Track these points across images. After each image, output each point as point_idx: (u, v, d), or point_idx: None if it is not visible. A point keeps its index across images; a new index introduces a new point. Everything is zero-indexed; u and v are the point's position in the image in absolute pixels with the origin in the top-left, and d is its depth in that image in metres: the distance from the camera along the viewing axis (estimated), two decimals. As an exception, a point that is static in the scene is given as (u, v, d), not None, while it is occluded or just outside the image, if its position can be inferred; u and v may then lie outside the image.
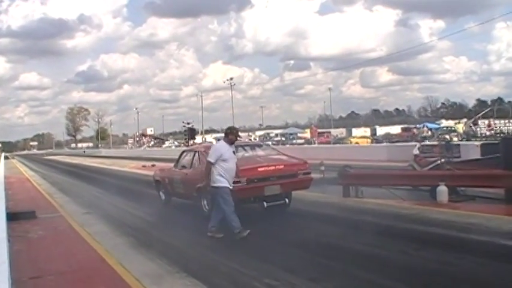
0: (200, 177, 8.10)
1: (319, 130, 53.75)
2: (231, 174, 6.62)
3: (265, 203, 7.57)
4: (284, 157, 8.51)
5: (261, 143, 12.23)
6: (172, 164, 10.11)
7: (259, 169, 7.54)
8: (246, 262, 5.29)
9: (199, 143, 37.62)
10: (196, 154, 8.64)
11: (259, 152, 8.68)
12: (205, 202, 7.96)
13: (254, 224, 7.29)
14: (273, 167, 7.67)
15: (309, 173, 8.03)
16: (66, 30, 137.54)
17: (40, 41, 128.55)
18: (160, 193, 10.10)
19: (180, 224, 7.97)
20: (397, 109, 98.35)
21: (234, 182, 7.09)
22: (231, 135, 6.85)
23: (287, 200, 7.97)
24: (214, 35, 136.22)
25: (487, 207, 7.70)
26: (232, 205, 6.52)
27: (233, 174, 6.68)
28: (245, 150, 8.76)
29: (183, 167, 9.11)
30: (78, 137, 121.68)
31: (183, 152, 9.84)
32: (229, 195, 6.54)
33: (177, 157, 9.91)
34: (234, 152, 6.82)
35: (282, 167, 7.80)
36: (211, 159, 6.60)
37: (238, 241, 6.27)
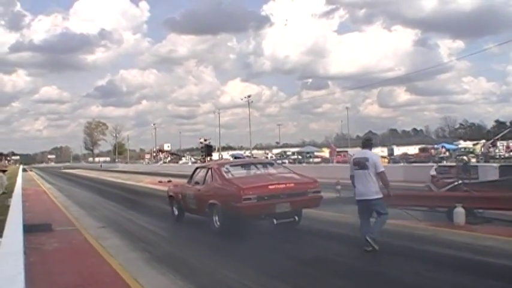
0: (213, 193, 8.18)
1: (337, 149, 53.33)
2: None
3: (274, 220, 7.55)
4: (295, 175, 8.52)
5: (273, 162, 12.28)
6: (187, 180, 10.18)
7: (270, 187, 7.60)
8: (258, 279, 5.28)
9: (216, 160, 37.76)
10: (210, 171, 8.70)
11: (271, 170, 8.78)
12: (216, 218, 8.02)
13: (267, 241, 7.30)
14: (283, 185, 7.72)
15: (319, 192, 8.03)
16: (86, 45, 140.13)
17: (61, 55, 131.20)
18: (174, 208, 10.14)
19: (193, 240, 8.01)
20: (414, 129, 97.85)
21: (245, 199, 7.19)
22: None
23: (296, 218, 7.96)
24: (233, 53, 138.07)
25: (505, 230, 7.54)
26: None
27: None
28: (257, 168, 8.85)
29: (196, 183, 9.17)
30: (96, 151, 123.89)
31: (197, 168, 9.92)
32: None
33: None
34: None
35: (292, 185, 7.84)
36: (383, 167, 6.52)
37: (250, 257, 6.26)
